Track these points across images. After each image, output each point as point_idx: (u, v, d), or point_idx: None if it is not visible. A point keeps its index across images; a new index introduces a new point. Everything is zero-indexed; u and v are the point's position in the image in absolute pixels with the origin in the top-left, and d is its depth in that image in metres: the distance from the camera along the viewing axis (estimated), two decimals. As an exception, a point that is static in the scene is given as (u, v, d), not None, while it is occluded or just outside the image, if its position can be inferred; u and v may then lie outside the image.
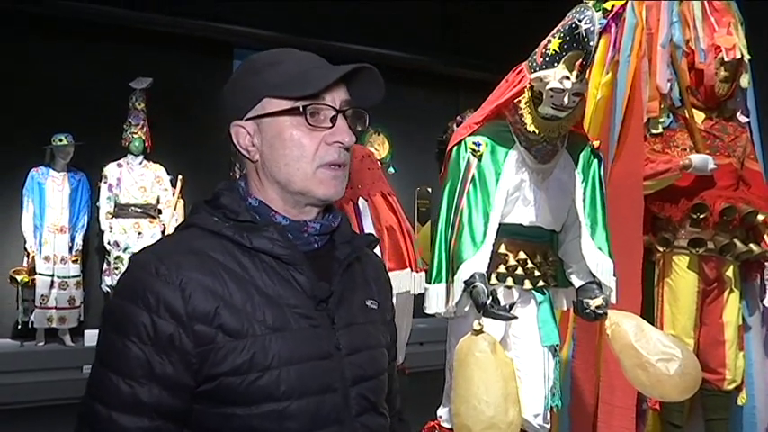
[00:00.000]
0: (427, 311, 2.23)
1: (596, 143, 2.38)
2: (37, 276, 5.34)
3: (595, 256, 2.17)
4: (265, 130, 1.04)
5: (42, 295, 5.33)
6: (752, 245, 2.92)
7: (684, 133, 2.96)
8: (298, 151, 1.03)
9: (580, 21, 1.94)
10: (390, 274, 2.75)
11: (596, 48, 2.05)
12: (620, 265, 2.27)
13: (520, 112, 2.13)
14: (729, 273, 2.94)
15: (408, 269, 2.91)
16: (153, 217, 5.61)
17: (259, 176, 1.07)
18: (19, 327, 5.58)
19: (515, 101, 2.14)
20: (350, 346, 1.05)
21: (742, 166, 3.02)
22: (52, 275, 5.38)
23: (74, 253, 5.48)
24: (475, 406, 1.85)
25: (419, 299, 2.46)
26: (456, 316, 2.19)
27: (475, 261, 2.08)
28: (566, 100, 2.02)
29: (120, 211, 5.55)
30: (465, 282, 2.07)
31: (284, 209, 1.06)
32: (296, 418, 0.97)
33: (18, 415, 4.65)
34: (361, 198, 2.90)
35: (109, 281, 5.51)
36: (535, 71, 2.06)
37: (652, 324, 2.31)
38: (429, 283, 2.23)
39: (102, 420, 0.94)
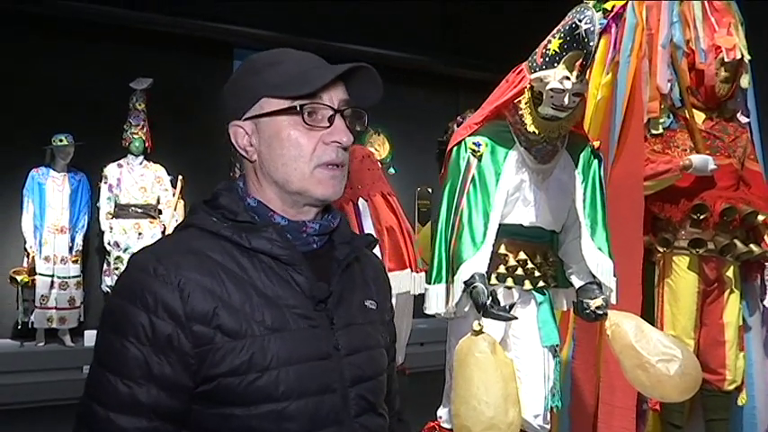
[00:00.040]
0: (427, 312, 2.23)
1: (596, 143, 2.37)
2: (37, 277, 5.34)
3: (595, 257, 2.17)
4: (263, 130, 1.04)
5: (42, 295, 5.34)
6: (752, 245, 2.92)
7: (685, 134, 2.96)
8: (295, 151, 1.02)
9: (580, 21, 1.94)
10: (390, 274, 2.75)
11: (596, 48, 2.05)
12: (620, 265, 2.26)
13: (520, 112, 2.13)
14: (730, 273, 2.94)
15: (408, 269, 2.91)
16: (153, 217, 5.61)
17: (257, 176, 1.07)
18: (19, 327, 5.58)
19: (515, 101, 2.14)
20: (349, 346, 1.05)
21: (742, 167, 3.02)
22: (52, 276, 5.38)
23: (74, 253, 5.48)
24: (475, 407, 1.84)
25: (419, 299, 2.46)
26: (456, 316, 2.19)
27: (475, 261, 2.08)
28: (566, 100, 2.02)
29: (121, 211, 5.55)
30: (465, 282, 2.06)
31: (283, 209, 1.06)
32: (295, 419, 0.97)
33: (18, 415, 4.65)
34: (361, 198, 2.90)
35: (109, 281, 5.51)
36: (535, 71, 2.06)
37: (652, 325, 2.31)
38: (429, 283, 2.23)
39: (101, 421, 0.93)
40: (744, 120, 3.08)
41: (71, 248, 5.46)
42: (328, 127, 1.03)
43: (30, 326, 5.43)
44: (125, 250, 5.39)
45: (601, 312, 2.13)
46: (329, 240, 1.11)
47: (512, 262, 2.23)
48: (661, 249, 2.96)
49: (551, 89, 2.01)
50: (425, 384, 2.96)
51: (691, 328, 2.90)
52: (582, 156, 2.25)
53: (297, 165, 1.02)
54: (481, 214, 2.13)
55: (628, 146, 2.77)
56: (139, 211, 5.57)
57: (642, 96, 2.83)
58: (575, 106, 2.08)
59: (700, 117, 2.98)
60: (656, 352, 2.00)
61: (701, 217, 2.87)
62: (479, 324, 1.97)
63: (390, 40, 6.91)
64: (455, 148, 2.23)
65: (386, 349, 1.16)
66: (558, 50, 2.01)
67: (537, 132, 2.11)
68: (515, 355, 2.23)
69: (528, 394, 2.19)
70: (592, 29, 1.92)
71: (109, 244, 5.49)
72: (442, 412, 2.39)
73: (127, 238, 5.47)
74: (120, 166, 5.62)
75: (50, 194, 5.44)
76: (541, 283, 2.27)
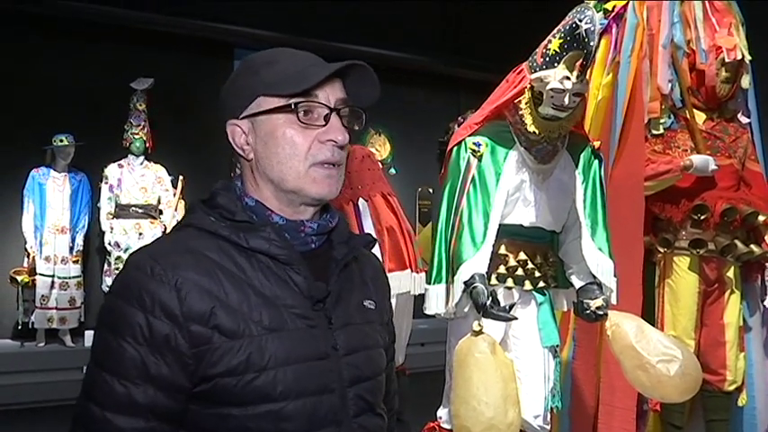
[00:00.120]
0: (427, 312, 2.22)
1: (597, 143, 2.37)
2: (37, 277, 5.34)
3: (596, 257, 2.17)
4: (259, 129, 1.04)
5: (43, 296, 5.34)
6: (753, 246, 2.91)
7: (685, 134, 2.96)
8: (290, 149, 1.02)
9: (580, 21, 1.94)
10: (390, 274, 2.76)
11: (597, 48, 2.05)
12: (620, 265, 2.26)
13: (520, 112, 2.13)
14: (730, 274, 2.94)
15: (408, 270, 2.90)
16: (154, 217, 5.61)
17: (254, 175, 1.06)
18: (19, 327, 5.58)
19: (516, 101, 2.14)
20: (347, 346, 1.04)
21: (743, 167, 3.01)
22: (53, 276, 5.38)
23: (74, 253, 5.49)
24: (474, 407, 1.84)
25: (419, 299, 2.46)
26: (456, 317, 2.19)
27: (475, 262, 2.08)
28: (566, 100, 2.01)
29: (121, 211, 5.55)
30: (465, 282, 2.06)
31: (280, 208, 1.06)
32: (293, 419, 0.96)
33: (18, 416, 4.66)
34: (361, 198, 2.90)
35: (109, 281, 5.50)
36: (535, 71, 2.06)
37: (653, 325, 2.31)
38: (429, 283, 2.22)
39: (97, 421, 0.93)
40: (744, 120, 3.08)
41: (71, 249, 5.47)
42: (324, 125, 1.03)
43: (30, 326, 5.43)
44: (125, 250, 5.39)
45: (601, 313, 2.13)
46: (327, 240, 1.10)
47: (512, 262, 2.22)
48: (661, 250, 2.95)
49: (551, 89, 2.01)
50: (425, 385, 2.96)
51: (691, 329, 2.90)
52: (582, 156, 2.24)
53: (292, 163, 1.02)
54: (481, 214, 2.13)
55: (628, 146, 2.77)
56: (140, 211, 5.57)
57: (643, 97, 2.83)
58: (575, 106, 2.08)
59: (700, 117, 2.98)
60: (656, 352, 2.00)
61: (702, 217, 2.87)
62: (479, 324, 1.97)
63: (390, 40, 6.91)
64: (455, 148, 2.23)
65: (385, 349, 1.15)
66: (558, 50, 2.00)
67: (537, 132, 2.11)
68: (515, 355, 2.23)
69: (528, 395, 2.19)
70: (592, 29, 1.92)
71: (109, 244, 5.49)
72: (441, 413, 2.38)
73: (127, 238, 5.46)
74: (120, 166, 5.62)
75: (51, 195, 5.44)
76: (542, 284, 2.26)
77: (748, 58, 2.94)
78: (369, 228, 2.86)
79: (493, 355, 1.90)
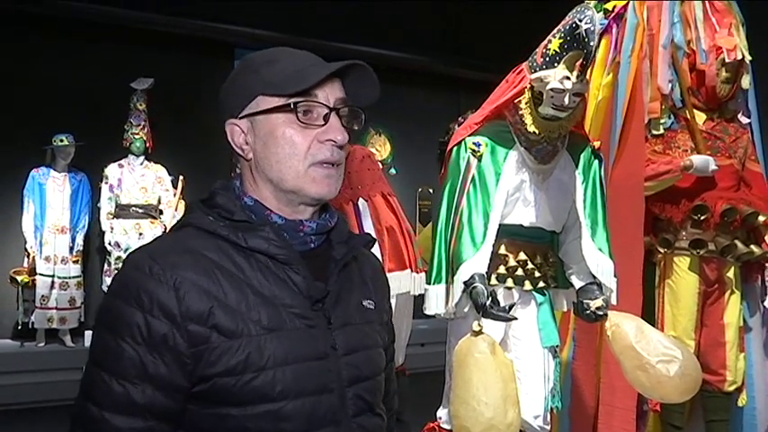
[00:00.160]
0: (427, 312, 2.22)
1: (597, 144, 2.37)
2: (37, 277, 5.34)
3: (596, 257, 2.16)
4: (258, 128, 1.04)
5: (43, 296, 5.34)
6: (753, 246, 2.91)
7: (685, 134, 2.95)
8: (290, 149, 1.02)
9: (580, 21, 1.93)
10: (390, 274, 2.76)
11: (597, 48, 2.05)
12: (620, 266, 2.26)
13: (520, 112, 2.13)
14: (730, 274, 2.93)
15: (408, 270, 2.90)
16: (154, 217, 5.61)
17: (253, 175, 1.06)
18: (19, 327, 5.58)
19: (515, 101, 2.14)
20: (346, 346, 1.04)
21: (743, 167, 3.01)
22: (53, 276, 5.38)
23: (74, 253, 5.49)
24: (474, 407, 1.84)
25: (419, 300, 2.46)
26: (456, 317, 2.18)
27: (474, 262, 2.07)
28: (566, 100, 2.01)
29: (121, 211, 5.55)
30: (464, 282, 2.06)
31: (278, 208, 1.06)
32: (291, 419, 0.96)
33: (18, 416, 4.66)
34: (360, 198, 2.89)
35: (109, 281, 5.48)
36: (535, 71, 2.06)
37: (653, 325, 2.30)
38: (429, 283, 2.22)
39: (95, 421, 0.93)
40: (744, 120, 3.07)
41: (71, 249, 5.47)
42: (323, 125, 1.03)
43: (30, 326, 5.43)
44: (126, 250, 5.38)
45: (601, 313, 2.13)
46: (327, 240, 1.10)
47: (512, 262, 2.22)
48: (662, 250, 2.95)
49: (551, 89, 2.01)
50: (425, 385, 2.96)
51: (691, 329, 2.89)
52: (582, 156, 2.24)
53: (291, 163, 1.02)
54: (481, 214, 2.13)
55: (628, 146, 2.77)
56: (140, 211, 5.56)
57: (643, 97, 2.83)
58: (575, 106, 2.08)
59: (700, 118, 2.98)
60: (656, 353, 1.99)
61: (702, 218, 2.87)
62: (479, 325, 1.96)
63: (390, 40, 6.91)
64: (455, 148, 2.23)
65: (384, 349, 1.15)
66: (558, 50, 2.00)
67: (537, 132, 2.11)
68: (515, 355, 2.23)
69: (528, 395, 2.18)
70: (592, 29, 1.92)
71: (109, 244, 5.49)
72: (441, 413, 2.38)
73: (127, 238, 5.46)
74: (120, 166, 5.61)
75: (51, 194, 5.44)
76: (542, 284, 2.26)
77: (748, 58, 2.94)
78: (369, 228, 2.86)
79: (492, 355, 1.90)
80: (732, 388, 2.92)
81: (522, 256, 2.22)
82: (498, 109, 2.20)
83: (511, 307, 2.10)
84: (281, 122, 1.02)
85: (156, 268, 0.95)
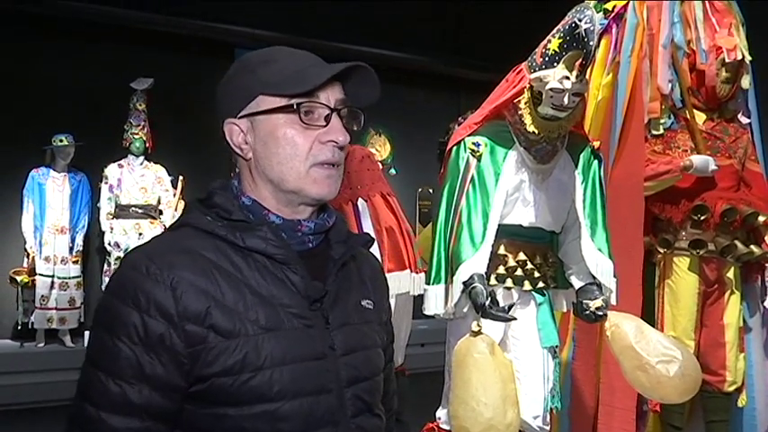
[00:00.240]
0: (426, 312, 2.22)
1: (596, 144, 2.37)
2: (37, 277, 5.34)
3: (595, 257, 2.16)
4: (259, 128, 1.03)
5: (42, 296, 5.33)
6: (753, 246, 2.91)
7: (685, 134, 2.95)
8: (291, 150, 1.02)
9: (580, 20, 1.93)
10: (390, 275, 2.76)
11: (596, 47, 2.04)
12: (620, 266, 2.26)
13: (519, 112, 2.12)
14: (730, 274, 2.93)
15: (408, 270, 2.90)
16: (154, 218, 5.61)
17: (252, 175, 1.06)
18: (19, 327, 5.58)
19: (515, 101, 2.13)
20: (345, 346, 1.04)
21: (743, 168, 3.01)
22: (52, 276, 5.38)
23: (74, 254, 5.48)
24: (473, 408, 1.84)
25: (419, 300, 2.46)
26: (455, 317, 2.18)
27: (474, 262, 2.07)
28: (565, 100, 2.01)
29: (121, 211, 5.55)
30: (464, 283, 2.05)
31: (277, 208, 1.05)
32: (289, 419, 0.96)
33: (18, 416, 4.65)
34: (360, 199, 2.89)
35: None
36: (535, 71, 2.05)
37: (652, 326, 2.30)
38: (428, 283, 2.22)
39: (92, 421, 0.93)
40: (744, 120, 3.07)
41: (71, 249, 5.46)
42: (325, 126, 1.02)
43: (30, 326, 5.43)
44: (125, 251, 5.38)
45: (601, 313, 2.12)
46: (325, 239, 1.10)
47: (511, 263, 2.22)
48: (661, 250, 2.95)
49: (551, 89, 2.01)
50: (425, 385, 2.96)
51: (691, 330, 2.89)
52: (582, 156, 2.24)
53: (292, 164, 1.02)
54: (480, 214, 2.12)
55: (628, 146, 2.76)
56: (140, 211, 5.56)
57: (643, 97, 2.83)
58: (574, 106, 2.07)
59: (700, 118, 2.98)
60: (655, 353, 1.99)
61: (702, 218, 2.87)
62: (478, 325, 1.96)
63: (390, 41, 6.90)
64: (454, 148, 2.23)
65: (383, 349, 1.15)
66: (557, 50, 2.00)
67: (536, 132, 2.10)
68: (515, 356, 2.23)
69: (527, 395, 2.18)
70: (591, 28, 1.91)
71: (109, 244, 5.49)
72: (441, 413, 2.38)
73: (127, 238, 5.46)
74: (120, 166, 5.62)
75: (50, 195, 5.44)
76: (541, 284, 2.26)
77: (748, 58, 2.94)
78: (368, 228, 2.85)
79: (492, 355, 1.90)
80: (732, 388, 2.92)
81: (522, 256, 2.22)
82: (498, 109, 2.20)
83: (510, 307, 2.10)
84: (283, 123, 1.01)
85: (153, 268, 0.95)
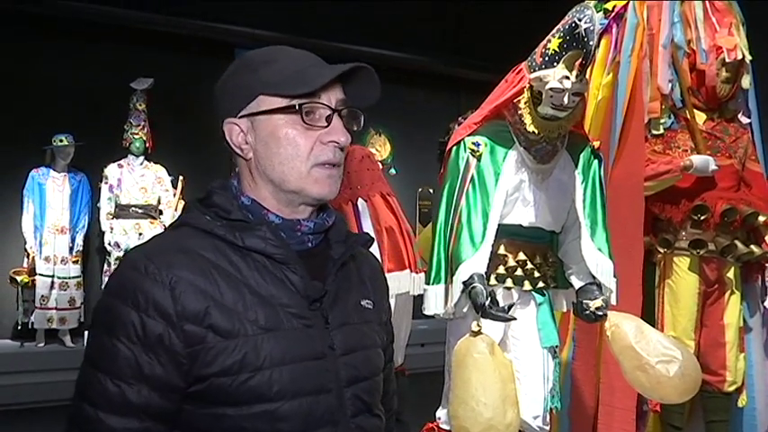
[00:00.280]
0: (426, 312, 2.22)
1: (596, 143, 2.36)
2: (37, 277, 5.34)
3: (595, 257, 2.16)
4: (259, 128, 1.03)
5: (42, 296, 5.34)
6: (753, 246, 2.91)
7: (685, 134, 2.95)
8: (292, 150, 1.02)
9: (580, 20, 1.93)
10: (390, 275, 2.76)
11: (596, 47, 2.04)
12: (620, 266, 2.25)
13: (519, 111, 2.12)
14: (730, 274, 2.93)
15: (408, 270, 2.90)
16: (154, 218, 5.61)
17: (252, 175, 1.06)
18: (19, 327, 5.58)
19: (515, 101, 2.13)
20: (344, 346, 1.04)
21: (743, 168, 3.01)
22: (52, 276, 5.38)
23: (74, 254, 5.49)
24: (473, 408, 1.84)
25: (419, 300, 2.45)
26: (455, 317, 2.18)
27: (474, 262, 2.07)
28: (565, 100, 2.01)
29: (121, 211, 5.55)
30: (464, 283, 2.05)
31: (277, 208, 1.05)
32: (289, 419, 0.96)
33: (18, 416, 4.65)
34: (360, 199, 2.89)
35: (108, 281, 5.50)
36: (535, 71, 2.05)
37: (652, 326, 2.30)
38: (428, 283, 2.21)
39: (91, 421, 0.93)
40: (745, 120, 3.07)
41: (71, 249, 5.47)
42: (326, 126, 1.02)
43: (30, 326, 5.43)
44: (125, 251, 5.38)
45: (600, 313, 2.12)
46: (324, 239, 1.10)
47: (511, 262, 2.21)
48: (661, 250, 2.94)
49: (551, 89, 2.00)
50: (425, 385, 2.95)
51: (691, 329, 2.89)
52: (582, 156, 2.24)
53: (294, 164, 1.02)
54: (480, 214, 2.12)
55: (628, 146, 2.76)
56: (140, 211, 5.56)
57: (643, 97, 2.83)
58: (574, 106, 2.07)
59: (701, 117, 2.97)
60: (655, 353, 1.99)
61: (702, 218, 2.86)
62: (478, 325, 1.96)
63: (390, 40, 6.90)
64: (454, 148, 2.22)
65: (383, 349, 1.14)
66: (557, 50, 2.00)
67: (536, 132, 2.10)
68: (515, 356, 2.22)
69: (527, 395, 2.18)
70: (591, 28, 1.91)
71: (109, 244, 5.49)
72: (440, 413, 2.38)
73: (127, 238, 5.46)
74: (120, 166, 5.62)
75: (51, 195, 5.44)
76: (541, 284, 2.26)
77: (749, 58, 2.94)
78: (368, 228, 2.85)
79: (491, 355, 1.89)
80: (732, 388, 2.92)
81: (522, 256, 2.22)
82: (497, 109, 2.19)
83: (510, 307, 2.09)
84: (284, 123, 1.01)
85: (152, 268, 0.95)
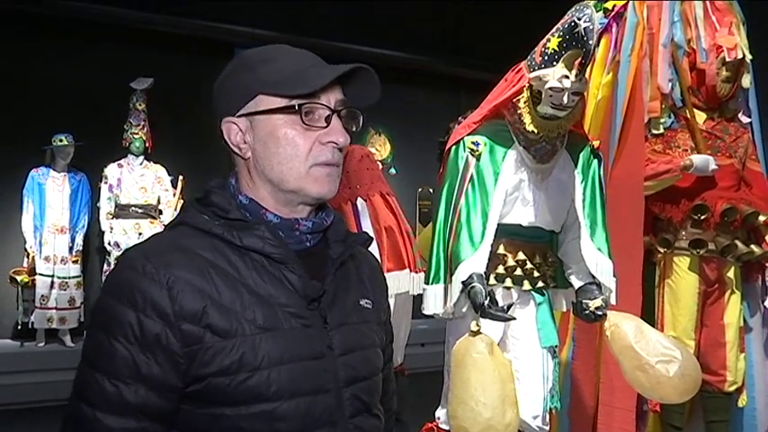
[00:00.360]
0: (425, 312, 2.21)
1: (596, 143, 2.36)
2: (37, 277, 5.34)
3: (595, 257, 2.16)
4: (258, 128, 1.03)
5: (42, 296, 5.34)
6: (753, 246, 2.90)
7: (686, 133, 2.94)
8: (291, 150, 1.01)
9: (579, 19, 1.92)
10: (389, 274, 2.75)
11: (596, 46, 2.04)
12: (620, 265, 2.25)
13: (519, 111, 2.12)
14: (730, 274, 2.92)
15: (407, 270, 2.89)
16: (153, 217, 5.61)
17: (250, 174, 1.05)
18: (19, 327, 5.59)
19: (514, 100, 2.13)
20: (343, 346, 1.03)
21: (743, 167, 3.00)
22: (52, 276, 5.38)
23: (74, 253, 5.49)
24: (472, 408, 1.83)
25: (419, 300, 2.45)
26: (454, 317, 2.18)
27: (473, 261, 2.07)
28: (565, 99, 2.00)
29: (121, 211, 5.55)
30: (463, 282, 2.05)
31: (276, 207, 1.05)
32: (287, 419, 0.95)
33: (18, 416, 4.65)
34: (359, 198, 2.88)
35: (107, 281, 5.50)
36: (534, 70, 2.05)
37: (652, 325, 2.30)
38: (427, 283, 2.21)
39: (88, 421, 0.92)
40: (745, 120, 3.07)
41: (71, 248, 5.47)
42: (325, 127, 1.02)
43: (30, 326, 5.44)
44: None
45: (600, 313, 2.12)
46: (323, 238, 1.09)
47: (510, 262, 2.21)
48: (661, 250, 2.94)
49: (550, 88, 2.00)
50: (425, 385, 2.95)
51: (691, 329, 2.89)
52: (581, 155, 2.23)
53: (292, 164, 1.01)
54: (480, 214, 2.12)
55: (628, 146, 2.76)
56: (140, 211, 5.57)
57: (643, 96, 2.82)
58: (574, 105, 2.07)
59: (701, 117, 2.97)
60: (655, 353, 1.99)
61: (702, 217, 2.86)
62: (477, 325, 1.96)
63: (390, 40, 6.90)
64: (454, 148, 2.22)
65: (382, 349, 1.14)
66: (557, 49, 1.99)
67: (536, 131, 2.10)
68: (514, 355, 2.22)
69: (527, 395, 2.18)
70: (591, 27, 1.91)
71: (109, 244, 5.49)
72: (440, 413, 2.37)
73: (127, 238, 5.46)
74: (120, 166, 5.62)
75: (50, 195, 5.44)
76: (540, 284, 2.25)
77: (749, 57, 2.93)
78: (367, 227, 2.84)
79: (491, 355, 1.89)
80: (732, 388, 2.92)
81: (521, 255, 2.21)
82: (497, 108, 2.19)
83: (509, 307, 2.09)
84: (283, 123, 1.01)
85: (150, 267, 0.94)
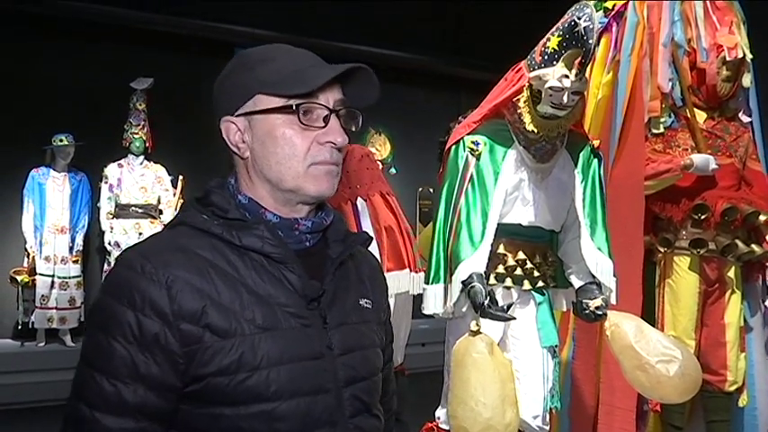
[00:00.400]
0: (425, 312, 2.21)
1: (596, 142, 2.36)
2: (37, 277, 5.34)
3: (595, 257, 2.15)
4: (257, 127, 1.02)
5: (43, 296, 5.34)
6: (753, 245, 2.90)
7: (686, 133, 2.94)
8: (289, 150, 1.01)
9: (579, 18, 1.92)
10: (389, 274, 2.75)
11: (596, 46, 2.03)
12: (620, 265, 2.25)
13: (519, 110, 2.12)
14: (731, 274, 2.92)
15: (407, 269, 2.89)
16: (154, 217, 5.61)
17: (249, 174, 1.05)
18: (19, 327, 5.59)
19: (514, 99, 2.13)
20: (342, 346, 1.03)
21: (744, 166, 3.00)
22: (53, 276, 5.38)
23: (74, 253, 5.49)
24: (472, 408, 1.83)
25: (419, 299, 2.45)
26: (454, 316, 2.18)
27: (473, 261, 2.06)
28: (565, 98, 2.00)
29: (121, 211, 5.56)
30: (463, 282, 2.05)
31: (275, 206, 1.05)
32: (286, 419, 0.95)
33: (18, 416, 4.65)
34: (359, 198, 2.88)
35: (106, 281, 5.51)
36: (534, 69, 2.05)
37: (653, 325, 2.29)
38: (427, 283, 2.21)
39: (86, 421, 0.92)
40: (745, 119, 3.06)
41: (71, 248, 5.47)
42: (323, 127, 1.02)
43: (30, 326, 5.44)
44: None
45: (600, 313, 2.11)
46: (323, 238, 1.09)
47: (510, 262, 2.21)
48: (662, 249, 2.94)
49: (550, 87, 2.00)
50: (425, 385, 2.95)
51: (691, 329, 2.88)
52: (582, 155, 2.23)
53: (291, 164, 1.01)
54: (479, 213, 2.11)
55: (628, 145, 2.76)
56: (140, 211, 5.57)
57: (643, 95, 2.82)
58: (574, 105, 2.06)
59: (701, 116, 2.97)
60: (655, 353, 1.98)
61: (702, 217, 2.86)
62: (477, 324, 1.95)
63: (390, 40, 6.90)
64: (453, 147, 2.22)
65: (382, 349, 1.14)
66: (557, 48, 1.99)
67: (536, 131, 2.09)
68: (514, 355, 2.22)
69: (527, 395, 2.17)
70: (591, 26, 1.90)
71: (109, 244, 5.50)
72: (440, 413, 2.37)
73: (127, 238, 5.46)
74: (120, 165, 5.63)
75: (51, 194, 5.45)
76: (541, 284, 2.25)
77: (749, 56, 2.93)
78: (367, 227, 2.84)
79: (491, 355, 1.89)
80: (733, 388, 2.91)
81: (521, 255, 2.21)
82: (497, 107, 2.19)
83: (509, 306, 2.09)
84: (281, 123, 1.01)
85: (149, 267, 0.94)
